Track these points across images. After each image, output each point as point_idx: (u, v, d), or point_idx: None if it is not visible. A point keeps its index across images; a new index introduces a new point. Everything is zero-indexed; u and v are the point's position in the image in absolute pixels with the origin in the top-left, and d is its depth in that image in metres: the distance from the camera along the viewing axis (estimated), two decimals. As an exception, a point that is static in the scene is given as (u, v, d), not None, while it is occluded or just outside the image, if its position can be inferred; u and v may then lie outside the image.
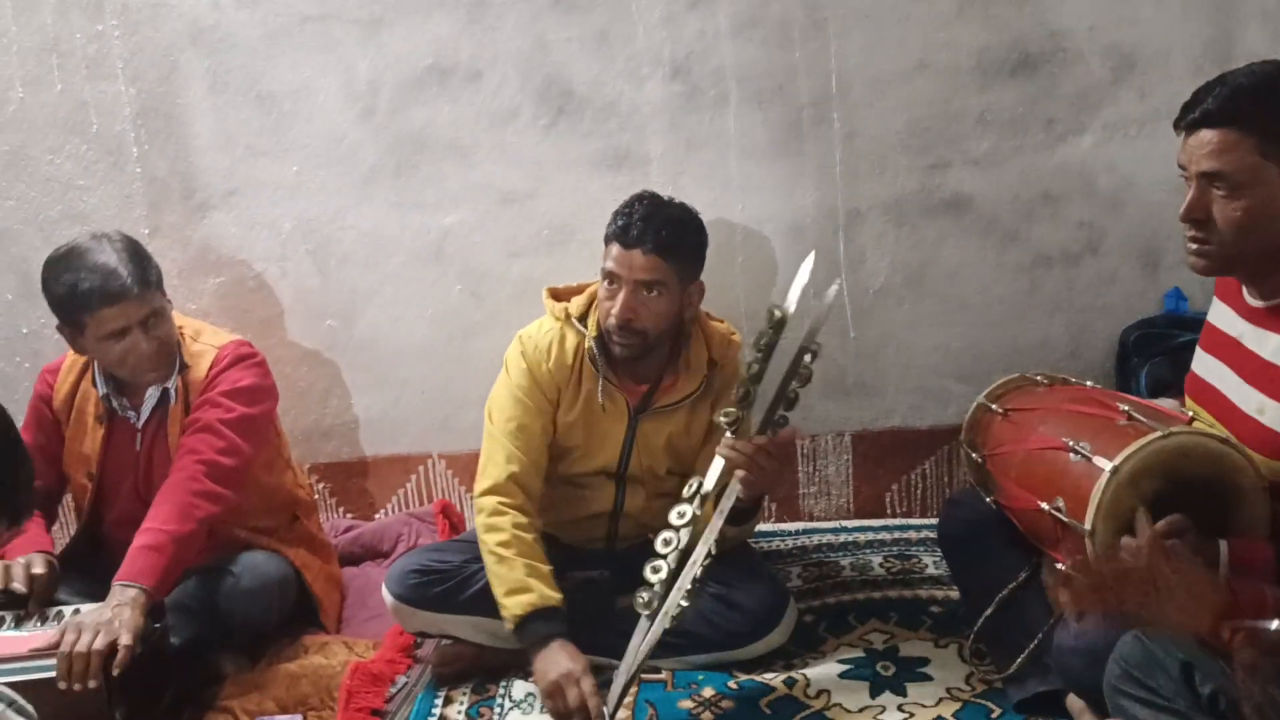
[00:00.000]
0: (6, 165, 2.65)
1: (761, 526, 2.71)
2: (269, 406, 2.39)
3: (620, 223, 2.12)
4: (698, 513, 2.01)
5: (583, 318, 2.23)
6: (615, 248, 2.12)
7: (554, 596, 2.07)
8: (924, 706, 2.00)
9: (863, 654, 2.19)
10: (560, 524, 2.33)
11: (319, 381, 2.81)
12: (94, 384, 2.30)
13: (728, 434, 2.03)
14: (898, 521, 2.75)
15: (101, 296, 2.12)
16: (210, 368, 2.29)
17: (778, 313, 2.03)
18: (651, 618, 1.97)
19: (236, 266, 2.72)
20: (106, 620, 1.90)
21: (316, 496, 2.84)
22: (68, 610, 2.06)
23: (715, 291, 2.35)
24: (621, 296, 2.10)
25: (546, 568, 2.11)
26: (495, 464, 2.19)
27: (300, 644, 2.33)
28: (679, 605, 1.95)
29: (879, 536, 2.67)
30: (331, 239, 2.70)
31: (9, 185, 2.67)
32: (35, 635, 1.97)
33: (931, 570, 2.48)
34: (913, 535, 2.65)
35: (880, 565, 2.53)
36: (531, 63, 2.56)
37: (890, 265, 2.64)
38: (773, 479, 2.04)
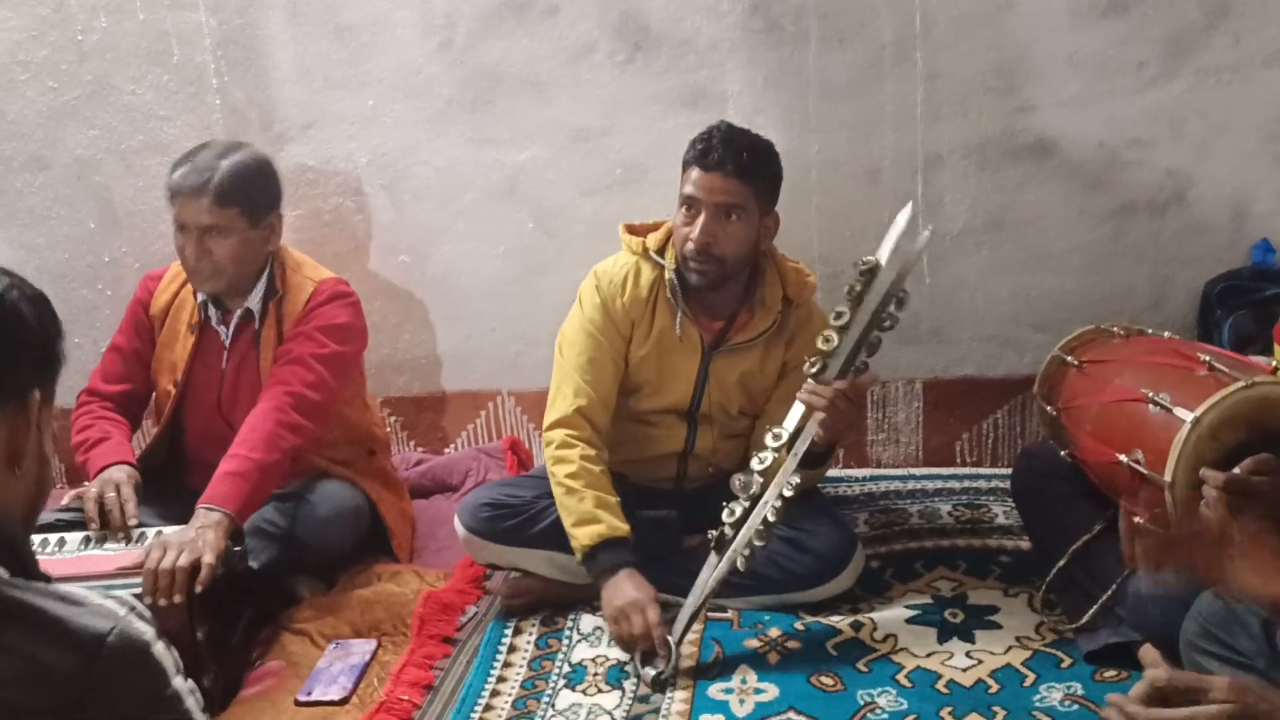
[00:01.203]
0: (90, 94, 2.69)
1: (829, 472, 2.70)
2: (359, 346, 2.43)
3: (700, 146, 2.10)
4: (777, 457, 2.01)
5: (660, 252, 2.22)
6: (695, 171, 2.10)
7: (622, 527, 2.09)
8: (992, 654, 2.00)
9: (930, 601, 2.18)
10: (630, 462, 2.34)
11: (392, 316, 2.83)
12: (194, 293, 2.35)
13: (809, 380, 2.02)
14: (967, 470, 2.72)
15: (177, 186, 2.23)
16: (307, 301, 2.33)
17: (870, 262, 2.01)
18: (721, 554, 1.99)
19: (313, 200, 2.74)
20: (190, 540, 1.95)
21: (389, 430, 2.89)
22: (150, 531, 2.12)
23: (790, 233, 2.33)
24: (701, 220, 2.08)
25: (614, 499, 2.13)
26: (564, 397, 2.21)
27: (373, 571, 2.38)
28: (750, 544, 1.96)
29: (948, 485, 2.65)
30: (406, 174, 2.71)
31: (92, 114, 2.71)
32: (121, 554, 2.03)
33: (1001, 520, 2.46)
34: (982, 485, 2.62)
35: (949, 514, 2.51)
36: (608, -3, 2.53)
37: (969, 210, 2.59)
38: (850, 424, 2.04)
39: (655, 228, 2.27)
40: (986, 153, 2.55)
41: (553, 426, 2.20)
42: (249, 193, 2.26)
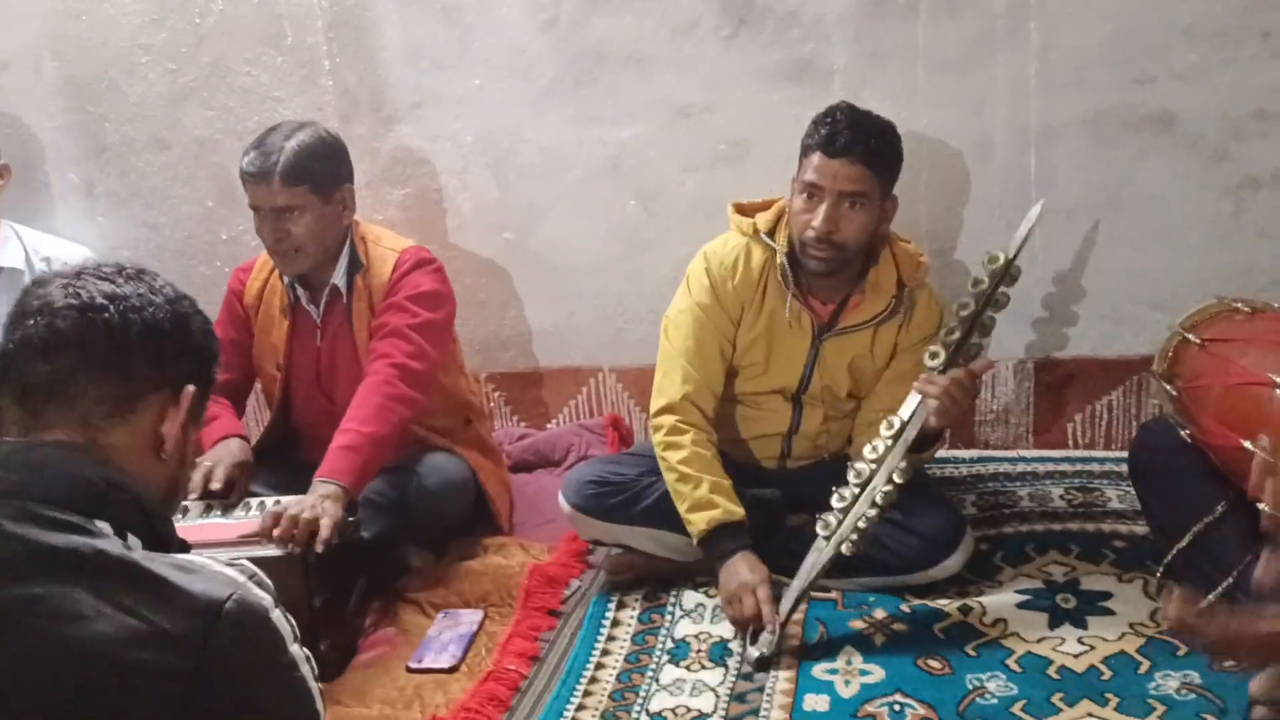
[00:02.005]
0: (208, 76, 2.77)
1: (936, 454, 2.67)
2: (449, 311, 2.46)
3: (824, 131, 2.06)
4: (890, 445, 1.99)
5: (771, 233, 2.20)
6: (817, 157, 2.06)
7: (737, 511, 2.10)
8: (1106, 640, 1.95)
9: (1042, 585, 2.14)
10: (733, 442, 2.34)
11: (497, 293, 2.87)
12: (281, 278, 2.41)
13: (926, 370, 2.00)
14: (1080, 453, 2.65)
15: (246, 169, 2.27)
16: (393, 271, 2.37)
17: (998, 257, 1.97)
18: (829, 538, 1.98)
19: (420, 179, 2.79)
20: (310, 506, 2.01)
21: (492, 405, 2.94)
22: (269, 502, 2.19)
23: (899, 206, 2.29)
24: (824, 208, 2.06)
25: (728, 482, 2.14)
26: (671, 382, 2.22)
27: (479, 543, 2.43)
28: (856, 528, 1.96)
29: (1059, 468, 2.59)
30: (511, 152, 2.74)
31: (210, 95, 2.79)
32: (242, 523, 2.11)
33: (1115, 504, 2.39)
34: (1095, 468, 2.55)
35: (1060, 497, 2.46)
36: (714, -28, 2.51)
37: (1084, 185, 2.51)
38: (962, 410, 2.01)
39: (765, 207, 2.25)
40: (1102, 126, 2.47)
41: (661, 412, 2.21)
42: (316, 169, 2.29)
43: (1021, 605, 2.08)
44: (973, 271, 2.05)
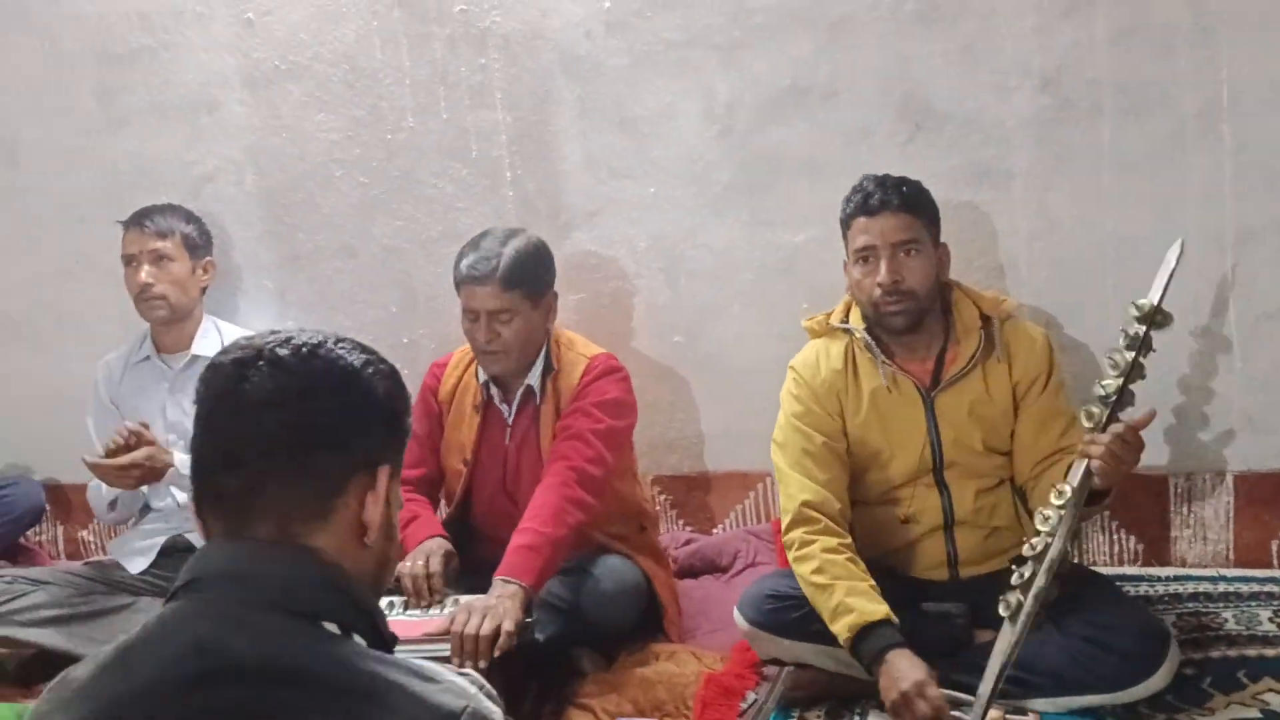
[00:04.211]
0: (397, 188, 2.91)
1: (1128, 570, 2.54)
2: (631, 420, 2.49)
3: (857, 198, 2.18)
4: (1062, 513, 1.90)
5: (843, 322, 2.25)
6: (860, 221, 2.16)
7: (876, 610, 2.01)
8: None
9: (1259, 715, 1.98)
10: (895, 553, 2.27)
11: (665, 395, 2.88)
12: (475, 375, 2.47)
13: (1086, 435, 1.92)
14: (1287, 573, 2.48)
15: (465, 274, 2.34)
16: (582, 376, 2.41)
17: (1145, 305, 1.91)
18: (1014, 619, 1.88)
19: (594, 283, 2.85)
20: (492, 606, 2.03)
21: (658, 508, 2.93)
22: (449, 599, 2.21)
23: (1085, 311, 2.27)
24: (883, 263, 2.12)
25: (866, 583, 2.06)
26: (789, 498, 2.20)
27: (650, 650, 2.40)
28: (1041, 600, 1.85)
29: (1265, 588, 2.41)
30: (684, 256, 2.77)
31: (398, 206, 2.92)
32: (427, 620, 2.13)
33: (1333, 629, 2.22)
34: (1306, 589, 2.38)
35: (1270, 620, 2.29)
36: (890, 79, 2.53)
37: (1287, 288, 2.40)
38: (1129, 466, 1.91)
39: (828, 315, 2.32)
40: (1307, 227, 2.36)
41: (789, 529, 2.17)
42: (531, 276, 2.37)
43: (1240, 738, 1.93)
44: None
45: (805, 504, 2.15)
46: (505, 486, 2.49)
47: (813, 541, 2.10)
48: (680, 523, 2.97)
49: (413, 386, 2.69)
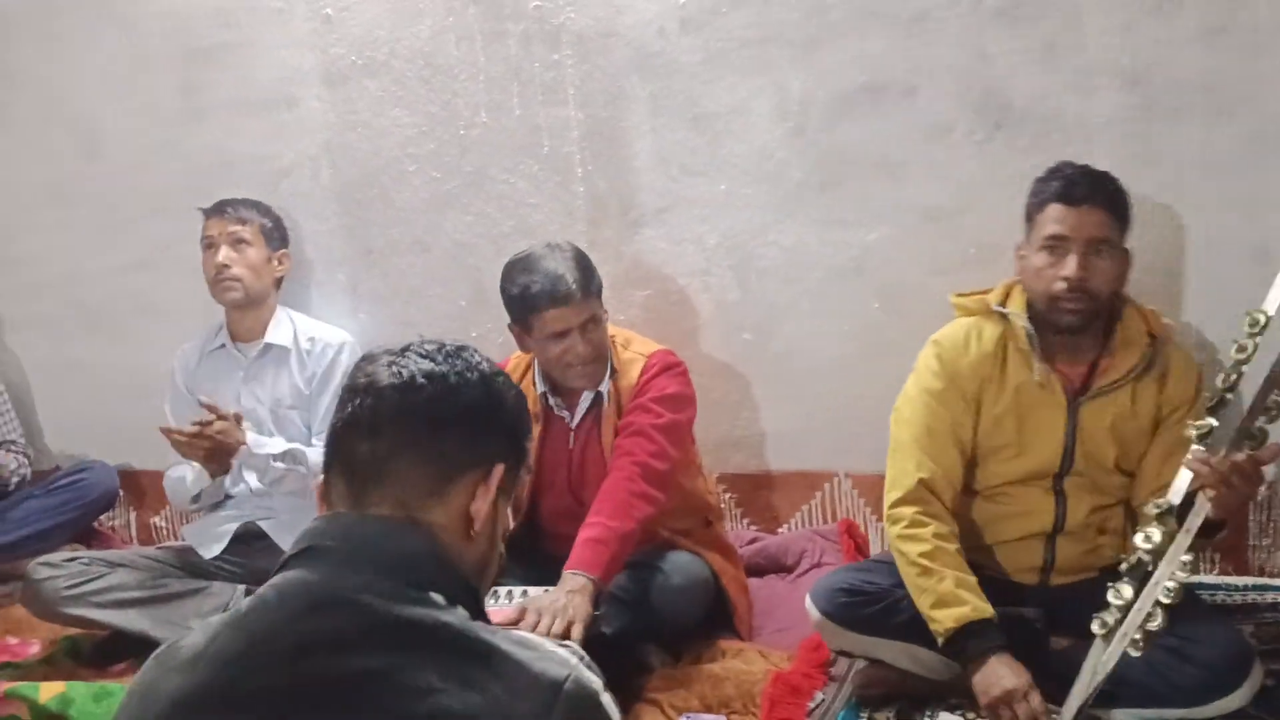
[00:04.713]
0: (469, 184, 2.93)
1: (1205, 579, 2.48)
2: (691, 414, 2.48)
3: (1059, 183, 2.05)
4: (1166, 533, 1.85)
5: (1002, 305, 2.16)
6: (1058, 209, 2.04)
7: (987, 609, 1.98)
8: None
9: (1344, 729, 1.93)
10: (985, 550, 2.22)
11: (732, 393, 2.88)
12: (534, 383, 2.48)
13: (1195, 446, 1.86)
14: (1371, 583, 2.41)
15: (549, 298, 2.29)
16: (640, 374, 2.41)
17: (1259, 317, 1.85)
18: (1108, 639, 1.83)
19: (663, 280, 2.85)
20: (562, 605, 2.03)
21: (722, 507, 2.92)
22: (516, 590, 2.23)
23: (1169, 315, 2.19)
24: (1073, 258, 2.02)
25: (973, 579, 2.03)
26: (905, 473, 2.14)
27: (717, 647, 2.39)
28: (1142, 630, 1.80)
29: (1347, 598, 2.35)
30: (753, 254, 2.77)
31: (469, 202, 2.94)
32: (493, 611, 2.14)
33: None
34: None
35: (1354, 631, 2.23)
36: (969, 76, 2.50)
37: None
38: (1245, 499, 1.86)
39: (984, 294, 2.22)
40: (1399, 229, 2.30)
41: (898, 504, 2.13)
42: (595, 278, 2.37)
43: (1327, 752, 1.88)
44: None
45: (923, 481, 2.11)
46: (570, 488, 2.49)
47: (926, 524, 2.07)
48: (744, 521, 2.96)
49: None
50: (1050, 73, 2.44)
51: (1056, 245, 2.04)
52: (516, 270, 2.36)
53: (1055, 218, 2.04)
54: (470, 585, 1.13)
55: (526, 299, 2.31)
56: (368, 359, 1.20)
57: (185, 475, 2.77)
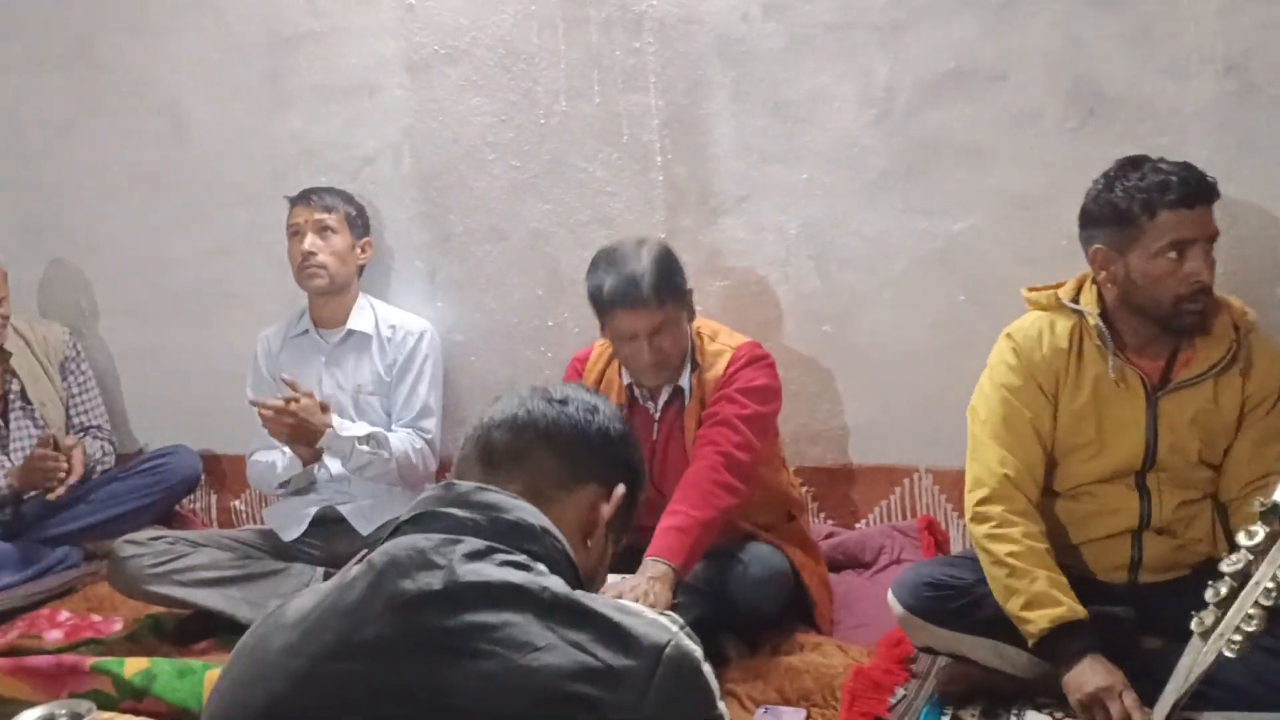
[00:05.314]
0: (547, 171, 2.93)
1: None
2: (776, 406, 2.45)
3: (1177, 190, 1.96)
4: (1270, 533, 1.78)
5: (1074, 301, 2.11)
6: (1181, 213, 1.95)
7: (1080, 610, 1.93)
8: None
9: None
10: (1068, 549, 2.16)
11: (810, 385, 2.84)
12: (618, 372, 2.47)
13: None
14: None
15: (620, 301, 2.29)
16: (727, 366, 2.39)
17: None
18: (1205, 637, 1.77)
19: (742, 270, 2.82)
20: (643, 591, 2.02)
21: (802, 496, 2.89)
22: (596, 576, 2.22)
23: (1269, 306, 2.13)
24: (1199, 260, 1.96)
25: (1064, 579, 1.98)
26: (987, 469, 2.09)
27: (795, 640, 2.36)
28: (1239, 629, 1.74)
29: None
30: (834, 243, 2.73)
31: (548, 189, 2.95)
32: (573, 596, 2.13)
33: None
34: None
35: None
36: (1062, 62, 2.44)
37: None
38: None
39: (1056, 288, 2.16)
40: None
41: (982, 502, 2.08)
42: (675, 285, 2.34)
43: None
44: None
45: (1008, 479, 2.06)
46: (652, 478, 2.47)
47: (1015, 523, 2.02)
48: (821, 516, 2.92)
49: (557, 370, 2.75)
50: (1145, 58, 2.38)
51: (1183, 247, 1.97)
52: (600, 264, 2.36)
53: (1175, 223, 1.96)
54: (573, 564, 1.14)
55: (600, 297, 2.33)
56: (519, 391, 1.31)
57: (276, 461, 2.82)
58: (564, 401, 1.26)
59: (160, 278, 3.45)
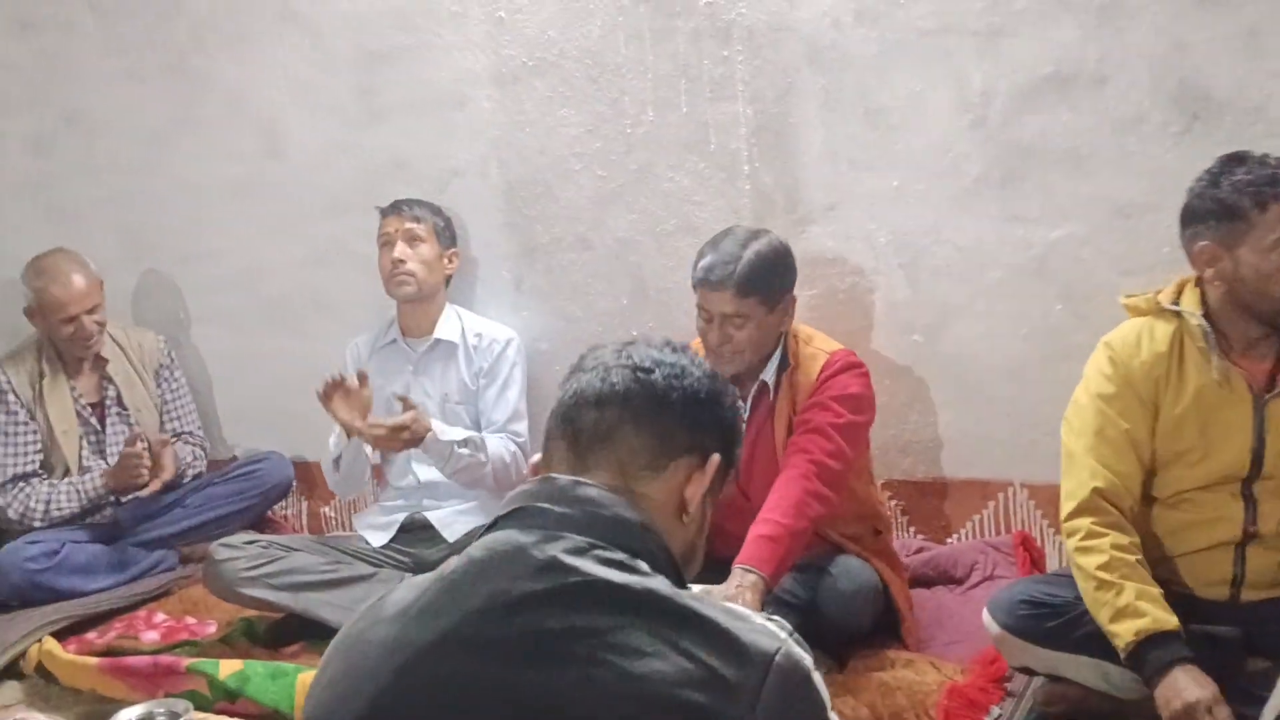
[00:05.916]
0: (634, 181, 2.93)
1: None
2: (870, 416, 2.41)
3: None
4: None
5: (1174, 304, 2.03)
6: None
7: (1169, 620, 1.86)
8: None
9: None
10: (1171, 562, 2.08)
11: (900, 395, 2.79)
12: None
13: None
14: None
15: (703, 277, 2.32)
16: (821, 371, 2.36)
17: None
18: None
19: (830, 279, 2.79)
20: (732, 598, 1.99)
21: (888, 514, 2.83)
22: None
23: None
24: None
25: (1155, 590, 1.91)
26: (1079, 482, 2.03)
27: (885, 656, 2.32)
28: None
29: None
30: (926, 251, 2.68)
31: (634, 199, 2.94)
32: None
33: None
34: None
35: None
36: (1165, 65, 2.36)
37: None
38: None
39: (1155, 294, 2.09)
40: None
41: (1073, 515, 2.01)
42: (768, 281, 2.32)
43: None
44: None
45: (1098, 491, 2.00)
46: (739, 482, 2.46)
47: (1103, 535, 1.96)
48: (911, 530, 2.87)
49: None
50: (1252, 61, 2.30)
51: None
52: (709, 240, 2.40)
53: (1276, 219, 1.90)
54: (674, 561, 1.12)
55: (694, 269, 2.37)
56: (595, 348, 1.26)
57: (333, 444, 2.84)
58: (649, 370, 1.18)
59: (253, 287, 3.52)
